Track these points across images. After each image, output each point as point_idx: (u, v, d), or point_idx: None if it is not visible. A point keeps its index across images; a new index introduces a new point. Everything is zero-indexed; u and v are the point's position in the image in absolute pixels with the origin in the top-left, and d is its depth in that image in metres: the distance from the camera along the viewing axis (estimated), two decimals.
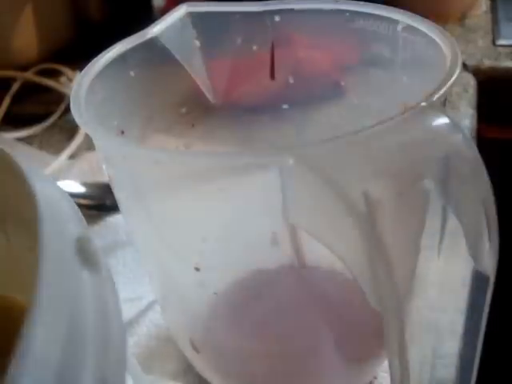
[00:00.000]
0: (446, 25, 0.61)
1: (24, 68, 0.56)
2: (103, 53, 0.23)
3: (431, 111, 0.16)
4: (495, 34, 0.57)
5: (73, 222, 0.14)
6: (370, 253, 0.14)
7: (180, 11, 0.27)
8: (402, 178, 0.15)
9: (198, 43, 0.27)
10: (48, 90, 0.54)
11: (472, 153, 0.15)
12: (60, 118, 0.52)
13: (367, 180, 0.14)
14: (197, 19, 0.27)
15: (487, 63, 0.52)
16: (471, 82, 0.50)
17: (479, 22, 0.60)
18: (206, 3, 0.27)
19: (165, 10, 0.66)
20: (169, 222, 0.21)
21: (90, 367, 0.12)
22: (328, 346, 0.25)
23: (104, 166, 0.22)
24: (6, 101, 0.53)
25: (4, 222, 0.19)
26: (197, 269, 0.21)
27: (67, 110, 0.53)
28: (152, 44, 0.25)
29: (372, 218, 0.14)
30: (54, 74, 0.55)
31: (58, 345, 0.11)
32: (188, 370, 0.27)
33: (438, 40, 0.22)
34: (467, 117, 0.46)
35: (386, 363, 0.27)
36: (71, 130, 0.51)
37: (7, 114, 0.53)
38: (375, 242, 0.14)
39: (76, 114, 0.19)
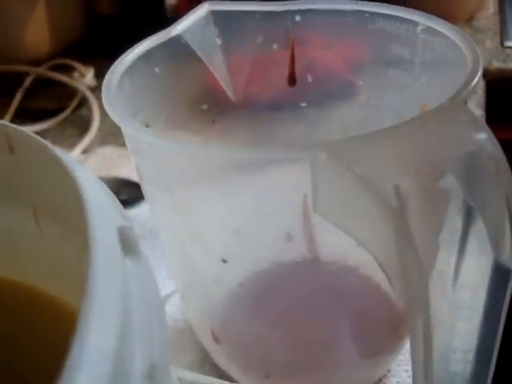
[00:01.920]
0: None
1: (36, 63, 0.57)
2: (130, 49, 0.24)
3: (456, 110, 0.17)
4: (503, 35, 0.57)
5: (113, 210, 0.15)
6: (399, 245, 0.15)
7: (202, 10, 0.28)
8: (428, 173, 0.16)
9: (219, 41, 0.28)
10: (60, 84, 0.55)
11: (496, 150, 0.16)
12: (72, 112, 0.53)
13: (397, 175, 0.15)
14: (218, 18, 0.28)
15: (495, 65, 0.53)
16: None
17: (487, 23, 0.61)
18: (227, 2, 0.28)
19: (177, 6, 0.67)
20: (197, 213, 0.22)
21: (140, 354, 0.12)
22: (344, 338, 0.25)
23: (132, 158, 0.23)
24: (19, 95, 0.54)
25: (36, 214, 0.20)
26: (224, 260, 0.22)
27: (80, 104, 0.54)
28: (176, 41, 0.26)
29: (402, 211, 0.15)
30: (67, 69, 0.56)
31: (112, 336, 0.11)
32: (205, 360, 0.28)
33: (457, 41, 0.23)
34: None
35: (399, 357, 0.28)
36: (84, 124, 0.52)
37: (19, 108, 0.54)
38: (405, 235, 0.15)
39: (109, 108, 0.20)
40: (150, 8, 0.63)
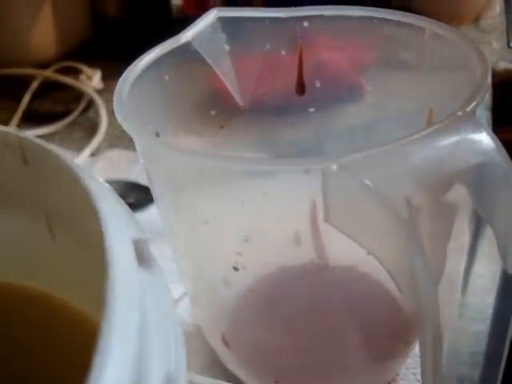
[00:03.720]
0: (460, 26, 0.61)
1: (42, 66, 0.57)
2: (140, 58, 0.24)
3: (466, 120, 0.17)
4: (510, 36, 0.57)
5: (128, 222, 0.15)
6: (410, 256, 0.15)
7: (210, 16, 0.28)
8: (438, 185, 0.16)
9: (227, 47, 0.28)
10: (67, 87, 0.55)
11: (505, 161, 0.16)
12: (80, 115, 0.53)
13: (408, 187, 0.15)
14: (227, 24, 0.28)
15: (502, 65, 0.53)
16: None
17: (493, 23, 0.61)
18: (235, 8, 0.28)
19: (183, 8, 0.67)
20: (207, 218, 0.22)
21: (157, 366, 0.12)
22: (354, 343, 0.26)
23: (142, 162, 0.23)
24: (26, 98, 0.54)
25: (50, 224, 0.20)
26: (236, 268, 0.22)
27: (87, 107, 0.54)
28: (185, 48, 0.26)
29: (413, 223, 0.15)
30: (73, 72, 0.56)
31: (131, 348, 0.11)
32: (214, 364, 0.28)
33: (465, 48, 0.23)
34: (482, 119, 0.46)
35: (408, 361, 0.28)
36: (91, 127, 0.52)
37: (27, 111, 0.54)
38: (416, 246, 0.15)
39: (121, 118, 0.20)
40: (156, 11, 0.63)
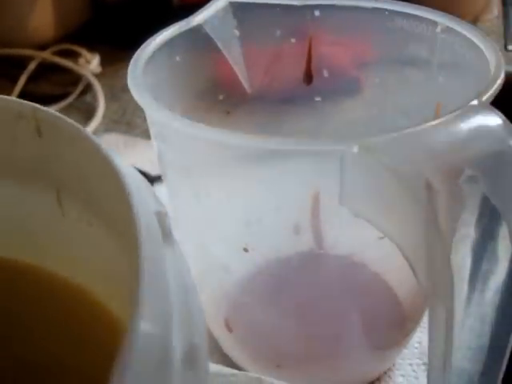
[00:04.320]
0: None
1: (40, 47, 0.56)
2: (150, 39, 0.24)
3: (483, 109, 0.17)
4: (507, 38, 0.58)
5: (149, 194, 0.15)
6: (428, 238, 0.15)
7: (222, 1, 0.28)
8: (455, 170, 0.16)
9: (237, 33, 0.28)
10: (64, 70, 0.55)
11: None
12: (77, 99, 0.53)
13: (428, 171, 0.15)
14: (237, 9, 0.28)
15: None
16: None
17: (491, 26, 0.61)
18: None
19: None
20: (213, 201, 0.22)
21: (180, 339, 0.12)
22: (353, 331, 0.26)
23: (154, 142, 0.23)
24: (22, 80, 0.54)
25: (60, 198, 0.20)
26: (246, 249, 0.22)
27: (84, 91, 0.53)
28: (196, 31, 0.26)
29: (433, 206, 0.15)
30: (72, 55, 0.55)
31: (158, 322, 0.11)
32: (214, 350, 0.28)
33: (478, 43, 0.23)
34: None
35: (403, 351, 0.29)
36: (88, 111, 0.51)
37: (23, 93, 0.53)
38: (435, 229, 0.15)
39: (135, 92, 0.20)
40: None
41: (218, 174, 0.22)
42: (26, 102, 0.18)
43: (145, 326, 0.11)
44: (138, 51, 0.23)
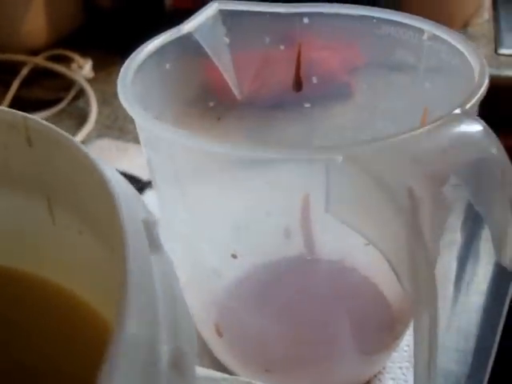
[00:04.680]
0: None
1: (33, 53, 0.57)
2: (141, 47, 0.24)
3: (465, 118, 0.17)
4: (497, 43, 0.58)
5: (137, 203, 0.15)
6: (411, 245, 0.15)
7: (211, 8, 0.28)
8: (438, 178, 0.16)
9: (227, 40, 0.28)
10: (57, 75, 0.55)
11: (503, 157, 0.17)
12: (69, 104, 0.53)
13: (410, 178, 0.15)
14: (227, 17, 0.28)
15: (489, 72, 0.54)
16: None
17: (482, 30, 0.62)
18: (235, 2, 0.28)
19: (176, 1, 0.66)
20: (202, 206, 0.22)
21: (166, 345, 0.13)
22: (342, 335, 0.26)
23: (144, 149, 0.23)
24: (15, 85, 0.54)
25: (51, 206, 0.20)
26: (234, 256, 0.22)
27: (76, 96, 0.54)
28: (186, 39, 0.26)
29: (415, 213, 0.15)
30: (64, 60, 0.56)
31: (144, 327, 0.12)
32: (203, 353, 0.28)
33: (463, 50, 0.23)
34: None
35: (393, 355, 0.29)
36: (80, 116, 0.52)
37: (16, 98, 0.53)
38: (417, 235, 0.15)
39: (124, 101, 0.20)
40: (149, 2, 0.63)
41: (207, 181, 0.22)
42: (16, 111, 0.18)
43: (131, 330, 0.11)
44: (128, 60, 0.23)
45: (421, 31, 0.26)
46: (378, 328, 0.27)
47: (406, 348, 0.29)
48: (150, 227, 0.15)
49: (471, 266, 0.20)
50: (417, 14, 0.67)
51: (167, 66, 0.25)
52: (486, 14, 0.64)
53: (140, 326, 0.12)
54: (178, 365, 0.13)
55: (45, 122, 0.18)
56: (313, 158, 0.17)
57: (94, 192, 0.16)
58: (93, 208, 0.17)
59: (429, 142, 0.16)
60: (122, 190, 0.15)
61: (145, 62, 0.24)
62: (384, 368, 0.28)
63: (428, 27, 0.25)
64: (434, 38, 0.25)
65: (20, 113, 0.18)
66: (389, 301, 0.28)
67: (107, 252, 0.18)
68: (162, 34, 0.25)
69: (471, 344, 0.22)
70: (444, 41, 0.24)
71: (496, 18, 0.63)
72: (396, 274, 0.16)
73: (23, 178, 0.20)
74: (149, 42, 0.25)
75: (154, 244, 0.15)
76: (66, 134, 0.18)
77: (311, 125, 0.31)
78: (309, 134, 0.32)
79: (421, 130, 0.17)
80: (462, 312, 0.23)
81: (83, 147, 0.17)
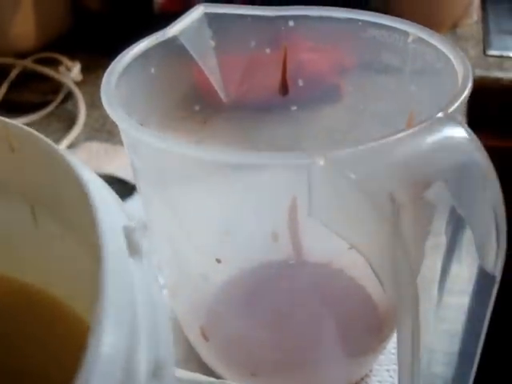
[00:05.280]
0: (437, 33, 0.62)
1: (21, 56, 0.56)
2: (127, 50, 0.24)
3: (448, 122, 0.17)
4: (486, 44, 0.59)
5: (117, 209, 0.15)
6: (393, 250, 0.15)
7: (197, 12, 0.28)
8: (420, 183, 0.16)
9: (213, 43, 0.28)
10: (46, 78, 0.55)
11: (485, 161, 0.17)
12: (58, 107, 0.53)
13: (392, 183, 0.15)
14: (213, 20, 0.28)
15: (478, 73, 0.54)
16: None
17: (470, 31, 0.62)
18: (221, 5, 0.28)
19: (164, 2, 0.66)
20: (188, 211, 0.22)
21: (145, 353, 0.12)
22: (329, 338, 0.26)
23: (128, 153, 0.23)
24: (4, 88, 0.54)
25: (34, 212, 0.20)
26: (218, 260, 0.22)
27: (65, 99, 0.53)
28: (171, 43, 0.26)
29: (396, 218, 0.15)
30: (53, 63, 0.55)
31: (122, 336, 0.12)
32: (190, 357, 0.28)
33: (447, 53, 0.23)
34: None
35: (380, 357, 0.29)
36: (69, 119, 0.51)
37: (4, 100, 0.53)
38: (399, 241, 0.15)
39: (108, 106, 0.20)
40: (137, 3, 0.63)
41: (191, 186, 0.22)
42: None
43: (107, 340, 0.11)
44: (113, 63, 0.23)
45: (406, 34, 0.26)
46: (365, 331, 0.27)
47: (393, 351, 0.29)
48: (129, 233, 0.15)
49: (456, 268, 0.20)
50: (406, 15, 0.67)
51: (152, 69, 0.25)
52: (475, 14, 0.65)
53: (117, 337, 0.12)
54: (158, 374, 0.13)
55: (27, 128, 0.18)
56: (294, 162, 0.17)
57: (75, 199, 0.16)
58: (75, 215, 0.17)
59: (411, 147, 0.16)
60: (103, 196, 0.15)
61: (129, 65, 0.24)
62: (371, 371, 0.28)
63: (413, 30, 0.25)
64: (419, 40, 0.25)
65: (2, 119, 0.18)
66: (376, 303, 0.28)
67: (89, 258, 0.18)
68: (147, 37, 0.25)
69: (457, 347, 0.22)
70: (429, 44, 0.25)
71: (485, 19, 0.64)
72: (378, 278, 0.16)
73: (7, 184, 0.20)
74: (134, 45, 0.24)
75: (135, 251, 0.15)
76: (48, 140, 0.17)
77: (299, 127, 0.31)
78: (297, 137, 0.32)
79: (402, 134, 0.17)
80: (448, 314, 0.23)
81: (65, 153, 0.17)
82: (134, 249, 0.15)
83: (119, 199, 0.16)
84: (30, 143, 0.18)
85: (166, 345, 0.14)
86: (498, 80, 0.53)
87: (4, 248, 0.21)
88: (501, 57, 0.56)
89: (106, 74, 0.23)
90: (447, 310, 0.21)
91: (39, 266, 0.21)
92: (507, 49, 0.57)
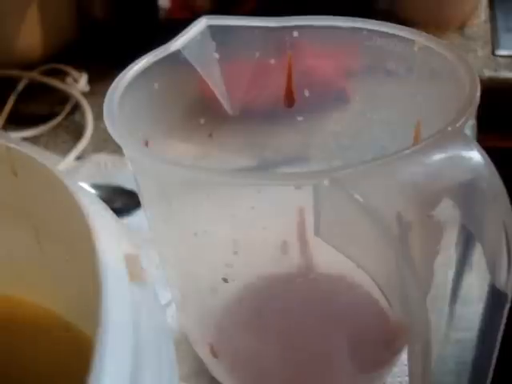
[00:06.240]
0: (445, 33, 0.62)
1: (28, 67, 0.57)
2: (130, 66, 0.24)
3: (455, 136, 0.17)
4: (494, 43, 0.58)
5: (120, 236, 0.15)
6: (400, 270, 0.15)
7: (200, 24, 0.28)
8: (428, 200, 0.16)
9: (217, 55, 0.28)
10: (53, 90, 0.55)
11: (494, 177, 0.16)
12: (65, 118, 0.53)
13: (399, 203, 0.15)
14: (216, 32, 0.28)
15: (487, 73, 0.53)
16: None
17: (479, 31, 0.61)
18: (224, 17, 0.28)
19: (170, 10, 0.66)
20: (195, 226, 0.22)
21: (150, 379, 0.12)
22: (341, 352, 0.26)
23: (133, 175, 0.23)
24: (11, 100, 0.54)
25: (38, 234, 0.20)
26: (225, 280, 0.22)
27: (72, 110, 0.53)
28: (175, 57, 0.26)
29: (404, 239, 0.15)
30: (59, 74, 0.55)
31: (125, 365, 0.11)
32: (200, 372, 0.28)
33: (455, 62, 0.23)
34: (467, 127, 0.47)
35: (394, 370, 0.28)
36: (76, 130, 0.51)
37: (12, 113, 0.53)
38: (407, 261, 0.15)
39: (111, 129, 0.20)
40: (143, 13, 0.63)
41: (196, 205, 0.22)
42: (0, 141, 0.18)
43: (110, 367, 0.11)
44: (115, 81, 0.23)
45: (412, 42, 0.25)
46: (379, 344, 0.27)
47: (405, 362, 0.29)
48: (132, 259, 0.15)
49: (467, 279, 0.20)
50: (413, 16, 0.66)
51: (156, 85, 0.25)
52: (483, 14, 0.64)
53: (120, 358, 0.12)
54: None
55: (29, 152, 0.18)
56: (299, 183, 0.17)
57: (76, 224, 0.16)
58: (76, 238, 0.17)
59: (418, 165, 0.16)
60: (106, 223, 0.15)
61: (132, 82, 0.24)
62: (384, 383, 0.28)
63: (419, 38, 0.25)
64: (426, 49, 0.25)
65: (4, 143, 0.18)
66: (389, 316, 0.28)
67: (91, 281, 0.17)
68: (150, 52, 0.25)
69: (469, 356, 0.21)
70: (435, 52, 0.24)
71: (493, 19, 0.63)
72: (386, 298, 0.16)
73: (10, 207, 0.19)
74: (136, 62, 0.24)
75: (137, 276, 0.15)
76: (50, 166, 0.17)
77: (305, 135, 0.31)
78: (303, 144, 0.32)
79: (409, 151, 0.16)
80: (458, 323, 0.23)
81: (66, 177, 0.17)
82: (136, 275, 0.15)
83: (123, 224, 0.16)
84: (31, 167, 0.18)
85: (170, 366, 0.14)
86: (507, 80, 0.53)
87: (9, 269, 0.21)
88: (509, 57, 0.55)
89: (108, 91, 0.22)
90: (459, 320, 0.21)
91: (45, 287, 0.21)
92: None
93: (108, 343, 0.11)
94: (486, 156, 0.17)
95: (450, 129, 0.17)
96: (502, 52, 0.56)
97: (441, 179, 0.16)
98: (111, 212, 0.16)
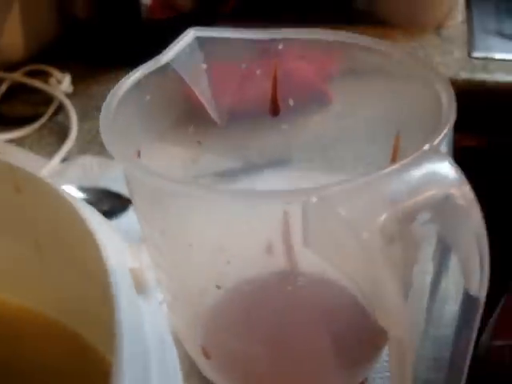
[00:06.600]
0: (422, 34, 0.63)
1: (10, 68, 0.57)
2: (123, 79, 0.25)
3: (433, 155, 0.18)
4: (470, 45, 0.59)
5: (123, 250, 0.16)
6: (382, 282, 0.16)
7: (188, 36, 0.29)
8: (408, 215, 0.17)
9: (204, 66, 0.29)
10: (36, 91, 0.55)
11: (468, 193, 0.18)
12: (49, 119, 0.53)
13: (380, 218, 0.16)
14: (204, 43, 0.29)
15: (463, 75, 0.55)
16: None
17: (455, 32, 0.62)
18: (212, 29, 0.29)
19: (152, 9, 0.67)
20: (185, 230, 0.23)
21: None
22: (325, 350, 0.27)
23: (125, 178, 0.24)
24: None
25: (39, 245, 0.21)
26: (218, 287, 0.23)
27: (56, 111, 0.54)
28: (164, 69, 0.27)
29: (387, 252, 0.16)
30: (42, 75, 0.56)
31: (138, 371, 0.12)
32: (191, 373, 0.29)
33: (431, 77, 0.24)
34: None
35: (375, 366, 0.30)
36: (61, 132, 0.52)
37: None
38: (388, 274, 0.16)
39: (109, 145, 0.21)
40: (125, 12, 0.63)
41: (186, 205, 0.23)
42: (4, 161, 0.19)
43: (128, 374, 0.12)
44: (109, 96, 0.24)
45: (391, 56, 0.26)
46: (362, 341, 0.28)
47: (386, 358, 0.30)
48: (136, 275, 0.16)
49: (444, 283, 0.22)
50: (390, 16, 0.67)
51: (147, 97, 0.26)
52: (460, 15, 0.65)
53: (134, 370, 0.13)
54: None
55: (31, 170, 0.19)
56: (287, 200, 0.18)
57: (79, 238, 0.17)
58: (80, 253, 0.18)
59: (398, 183, 0.17)
60: (107, 235, 0.16)
61: (126, 95, 0.25)
62: (366, 379, 0.29)
63: (399, 53, 0.26)
64: (404, 64, 0.26)
65: (8, 162, 0.18)
66: (369, 313, 0.29)
67: (95, 292, 0.18)
68: (141, 66, 0.26)
69: (447, 352, 0.23)
70: (413, 67, 0.25)
71: (470, 20, 0.64)
72: (370, 304, 0.17)
73: (13, 222, 0.20)
74: (128, 75, 0.25)
75: (142, 290, 0.16)
76: (51, 181, 0.18)
77: (288, 137, 0.32)
78: (287, 147, 0.33)
79: (389, 169, 0.18)
80: (436, 321, 0.25)
81: (66, 192, 0.18)
82: (141, 289, 0.16)
83: (127, 244, 0.17)
84: (34, 185, 0.18)
85: (175, 377, 0.15)
86: (482, 82, 0.54)
87: (15, 280, 0.22)
88: (485, 59, 0.57)
89: (103, 106, 0.23)
90: (437, 318, 0.22)
91: (49, 296, 0.22)
92: (492, 50, 0.58)
93: (124, 356, 0.12)
94: (461, 172, 0.18)
95: (427, 147, 0.19)
96: (477, 54, 0.58)
97: (419, 195, 0.17)
98: (112, 224, 0.17)
